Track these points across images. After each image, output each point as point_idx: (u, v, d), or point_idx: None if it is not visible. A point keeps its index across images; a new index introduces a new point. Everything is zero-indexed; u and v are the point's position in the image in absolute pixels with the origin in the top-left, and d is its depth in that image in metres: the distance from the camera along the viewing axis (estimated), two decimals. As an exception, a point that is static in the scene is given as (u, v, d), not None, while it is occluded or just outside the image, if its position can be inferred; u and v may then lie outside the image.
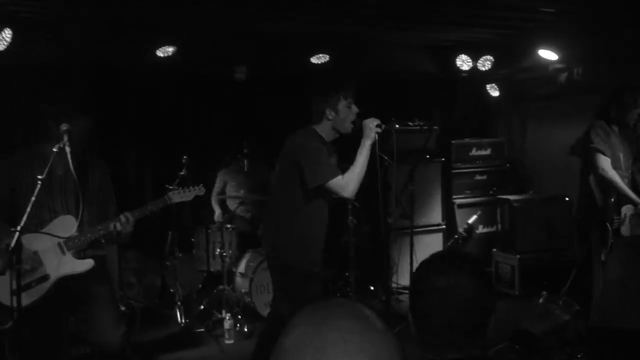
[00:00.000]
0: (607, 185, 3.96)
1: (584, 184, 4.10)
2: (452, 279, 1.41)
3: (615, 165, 3.98)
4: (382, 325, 0.90)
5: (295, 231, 3.14)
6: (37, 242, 2.73)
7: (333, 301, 0.96)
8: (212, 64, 5.33)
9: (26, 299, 2.62)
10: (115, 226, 2.80)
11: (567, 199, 5.50)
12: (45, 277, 2.78)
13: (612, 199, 3.87)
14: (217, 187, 5.54)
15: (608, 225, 3.82)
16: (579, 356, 3.44)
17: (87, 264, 2.86)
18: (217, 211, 5.45)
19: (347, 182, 3.05)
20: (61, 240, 2.79)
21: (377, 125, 3.10)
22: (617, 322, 3.79)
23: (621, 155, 4.02)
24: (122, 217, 2.83)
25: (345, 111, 3.15)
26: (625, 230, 3.90)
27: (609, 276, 3.95)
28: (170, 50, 4.93)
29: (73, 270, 2.83)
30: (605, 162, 3.93)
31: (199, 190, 3.19)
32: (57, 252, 2.79)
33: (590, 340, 3.62)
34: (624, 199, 3.91)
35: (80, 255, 2.86)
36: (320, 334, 0.85)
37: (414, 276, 1.55)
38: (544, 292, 3.73)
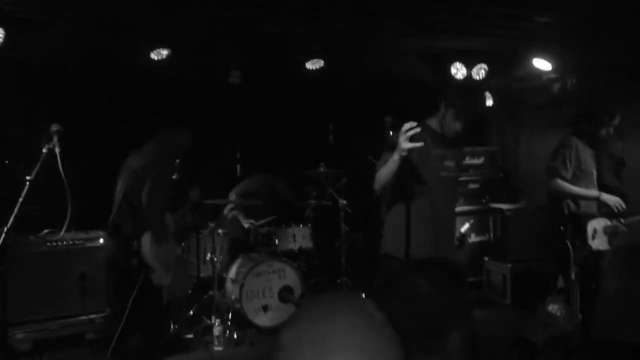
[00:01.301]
0: (563, 197, 3.96)
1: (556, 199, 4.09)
2: (412, 284, 1.37)
3: (587, 182, 3.98)
4: (384, 320, 0.88)
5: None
6: None
7: (336, 294, 0.94)
8: (206, 68, 5.31)
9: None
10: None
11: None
12: None
13: (563, 228, 3.86)
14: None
15: (568, 243, 3.80)
16: (572, 365, 3.43)
17: None
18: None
19: (376, 177, 3.02)
20: None
21: (410, 138, 2.70)
22: (616, 334, 3.78)
23: (594, 171, 4.02)
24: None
25: (451, 119, 3.17)
26: (599, 244, 3.88)
27: (608, 287, 3.93)
28: (164, 53, 4.90)
29: None
30: (559, 181, 3.93)
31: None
32: None
33: (589, 351, 3.60)
34: (585, 216, 3.91)
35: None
36: (322, 328, 0.83)
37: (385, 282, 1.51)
38: (546, 301, 3.70)
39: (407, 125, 2.73)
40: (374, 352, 0.82)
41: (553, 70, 5.25)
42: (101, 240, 4.07)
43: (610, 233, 3.92)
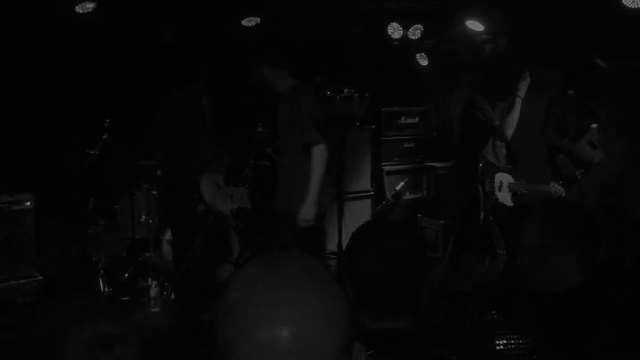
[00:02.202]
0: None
1: (462, 152, 4.28)
2: (391, 244, 1.41)
3: (494, 135, 4.18)
4: (330, 275, 0.89)
5: None
6: None
7: (282, 254, 0.92)
8: (136, 23, 5.08)
9: None
10: None
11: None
12: None
13: (481, 164, 4.04)
14: None
15: (480, 187, 4.01)
16: (492, 312, 3.65)
17: None
18: None
19: None
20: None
21: None
22: (532, 284, 4.04)
23: None
24: None
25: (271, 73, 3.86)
26: (503, 197, 4.09)
27: (527, 241, 4.17)
28: (90, 6, 4.64)
29: None
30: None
31: None
32: None
33: (507, 298, 3.85)
34: (494, 167, 4.12)
35: None
36: (274, 293, 0.82)
37: (350, 242, 1.52)
38: (471, 253, 3.90)
39: None
40: (323, 306, 0.83)
41: (485, 32, 5.36)
42: (28, 203, 3.92)
43: (513, 190, 4.13)
